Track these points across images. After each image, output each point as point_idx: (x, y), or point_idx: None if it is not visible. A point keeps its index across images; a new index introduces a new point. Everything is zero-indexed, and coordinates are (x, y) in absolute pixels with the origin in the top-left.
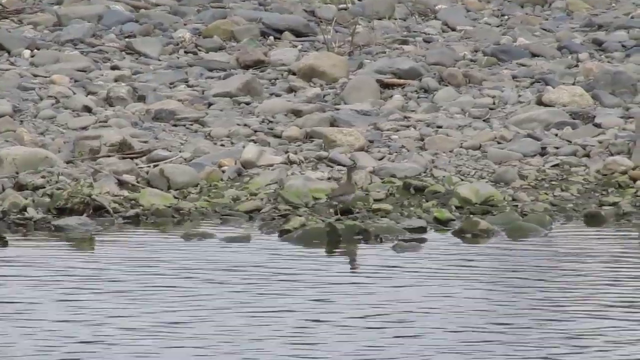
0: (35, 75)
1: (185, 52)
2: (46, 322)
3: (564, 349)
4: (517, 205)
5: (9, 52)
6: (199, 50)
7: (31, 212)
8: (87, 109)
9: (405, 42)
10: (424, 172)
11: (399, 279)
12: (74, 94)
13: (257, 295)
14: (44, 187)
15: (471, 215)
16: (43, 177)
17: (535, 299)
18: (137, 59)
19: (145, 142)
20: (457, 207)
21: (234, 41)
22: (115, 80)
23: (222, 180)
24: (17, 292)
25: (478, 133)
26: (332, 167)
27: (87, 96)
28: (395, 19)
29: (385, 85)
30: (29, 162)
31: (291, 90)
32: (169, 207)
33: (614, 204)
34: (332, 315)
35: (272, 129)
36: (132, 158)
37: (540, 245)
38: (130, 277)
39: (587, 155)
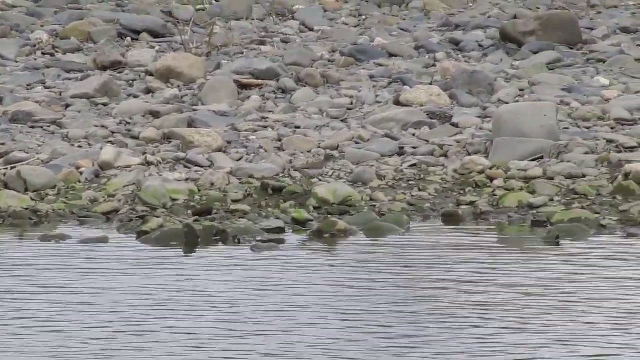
0: None
1: (43, 54)
2: None
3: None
4: (375, 205)
5: None
6: (56, 51)
7: None
8: None
9: (262, 43)
10: (282, 173)
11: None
12: None
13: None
14: None
15: (329, 216)
16: None
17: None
18: None
19: (3, 144)
20: (315, 208)
21: (92, 42)
22: None
23: (79, 181)
24: None
25: (336, 133)
26: (189, 168)
27: None
28: (253, 20)
29: (243, 86)
30: None
31: (149, 91)
32: (27, 209)
33: (472, 203)
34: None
35: (129, 130)
36: None
37: (397, 245)
38: None
39: (445, 155)
